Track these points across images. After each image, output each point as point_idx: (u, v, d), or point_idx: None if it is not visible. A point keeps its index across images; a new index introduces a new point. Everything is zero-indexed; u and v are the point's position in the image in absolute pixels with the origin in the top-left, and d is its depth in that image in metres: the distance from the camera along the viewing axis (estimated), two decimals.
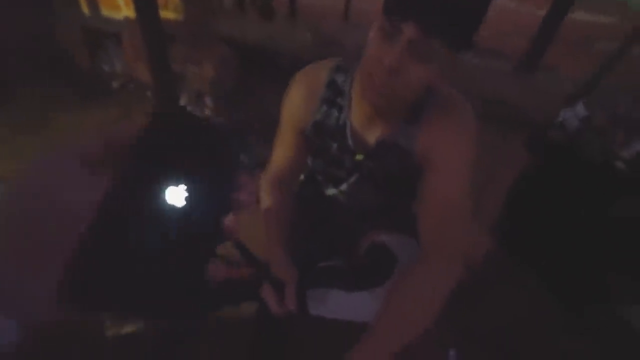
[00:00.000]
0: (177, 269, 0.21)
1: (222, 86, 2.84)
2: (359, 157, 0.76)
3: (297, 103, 0.77)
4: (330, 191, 0.90)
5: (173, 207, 0.22)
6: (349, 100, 0.72)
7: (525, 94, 3.97)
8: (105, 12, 2.79)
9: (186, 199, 0.23)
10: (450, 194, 0.64)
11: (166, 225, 0.21)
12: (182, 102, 2.60)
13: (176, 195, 0.22)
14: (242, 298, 0.69)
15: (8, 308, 0.17)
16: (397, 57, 0.52)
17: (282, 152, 0.84)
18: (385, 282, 0.67)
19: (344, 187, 0.85)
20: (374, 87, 0.58)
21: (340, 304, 0.68)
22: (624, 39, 3.48)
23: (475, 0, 0.49)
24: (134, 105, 2.62)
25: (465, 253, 0.63)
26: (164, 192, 0.22)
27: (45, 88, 2.60)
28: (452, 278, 0.61)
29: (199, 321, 1.13)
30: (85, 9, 2.79)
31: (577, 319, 1.37)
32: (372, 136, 0.73)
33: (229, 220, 0.25)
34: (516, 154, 1.11)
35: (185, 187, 0.23)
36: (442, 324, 0.63)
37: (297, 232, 0.84)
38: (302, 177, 1.01)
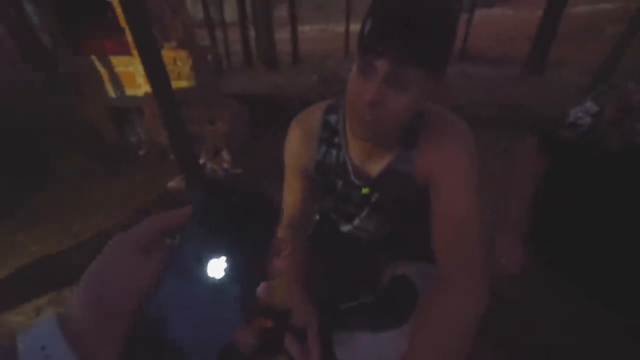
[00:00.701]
0: (212, 340, 0.23)
1: (236, 139, 3.00)
2: (365, 190, 0.76)
3: (296, 147, 0.80)
4: (345, 227, 0.89)
5: (213, 280, 0.24)
6: (344, 138, 0.75)
7: (536, 94, 3.90)
8: (128, 91, 3.09)
9: (225, 270, 0.24)
10: (458, 211, 0.62)
11: (203, 300, 0.23)
12: (202, 159, 2.75)
13: (217, 268, 0.24)
14: (269, 353, 0.67)
15: None
16: (376, 91, 0.53)
17: (290, 196, 0.86)
18: (409, 317, 0.64)
19: (356, 222, 0.85)
20: (360, 122, 0.59)
21: (367, 346, 0.64)
22: (629, 22, 3.40)
23: (440, 25, 0.51)
24: (157, 169, 2.79)
25: (486, 270, 0.59)
26: (207, 265, 0.24)
27: (77, 163, 2.84)
28: (477, 301, 0.57)
29: None
30: (111, 91, 3.11)
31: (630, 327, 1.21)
32: (372, 168, 0.74)
33: (262, 290, 0.25)
34: (531, 157, 1.07)
35: (226, 259, 0.24)
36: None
37: (316, 273, 0.83)
38: (317, 217, 1.01)
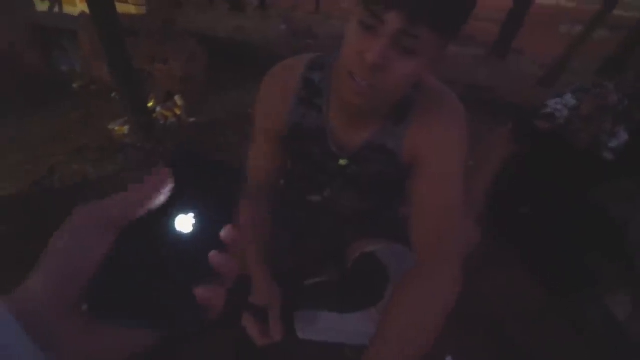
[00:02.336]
0: (177, 287, 0.24)
1: (192, 84, 2.70)
2: (343, 161, 0.69)
3: (270, 105, 0.69)
4: (313, 198, 0.83)
5: (181, 233, 0.25)
6: (327, 101, 0.66)
7: (498, 77, 4.05)
8: (64, 7, 2.56)
9: (193, 225, 0.25)
10: (443, 195, 0.59)
11: (172, 249, 0.24)
12: (151, 103, 2.45)
13: (185, 223, 0.25)
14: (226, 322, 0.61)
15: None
16: (381, 52, 0.46)
17: (257, 161, 0.76)
18: (378, 300, 0.61)
19: (327, 192, 0.79)
20: (355, 87, 0.51)
21: (332, 326, 0.62)
22: (590, 21, 3.60)
23: None
24: (96, 108, 2.43)
25: (462, 260, 0.58)
26: (174, 220, 0.25)
27: None
28: (454, 286, 0.56)
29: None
30: (40, 4, 2.54)
31: (562, 305, 1.38)
32: (355, 138, 0.67)
33: (226, 232, 0.26)
34: (502, 145, 1.08)
35: (194, 216, 0.25)
36: None
37: (279, 245, 0.77)
38: (281, 182, 0.93)
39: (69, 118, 2.31)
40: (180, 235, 0.25)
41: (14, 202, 1.61)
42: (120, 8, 1.81)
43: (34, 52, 2.61)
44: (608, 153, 0.91)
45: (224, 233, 0.25)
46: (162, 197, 0.24)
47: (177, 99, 2.49)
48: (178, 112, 2.45)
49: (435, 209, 0.59)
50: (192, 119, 2.45)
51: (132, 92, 2.04)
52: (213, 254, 0.25)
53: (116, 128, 2.19)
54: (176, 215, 0.25)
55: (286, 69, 0.69)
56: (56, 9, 2.67)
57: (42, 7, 2.65)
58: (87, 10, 2.05)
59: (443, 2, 0.43)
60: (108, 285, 0.22)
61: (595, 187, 1.14)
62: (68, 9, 2.57)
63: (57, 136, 2.12)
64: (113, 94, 2.52)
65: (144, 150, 2.08)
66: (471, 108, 0.67)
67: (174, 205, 0.25)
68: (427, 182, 0.61)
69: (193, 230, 0.25)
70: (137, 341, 0.23)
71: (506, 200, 1.27)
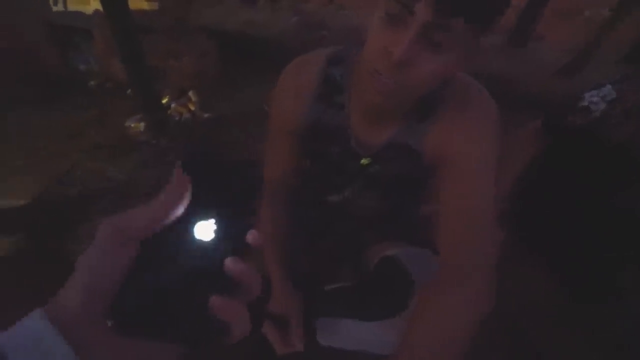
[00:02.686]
0: (197, 300, 0.23)
1: (205, 79, 2.69)
2: (365, 161, 0.66)
3: (288, 103, 0.66)
4: (332, 198, 0.80)
5: (201, 242, 0.23)
6: (348, 98, 0.63)
7: (518, 67, 3.88)
8: (74, 6, 2.58)
9: (215, 232, 0.24)
10: (472, 199, 0.55)
11: (192, 259, 0.23)
12: (166, 99, 2.45)
13: (205, 230, 0.24)
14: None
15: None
16: (408, 47, 0.42)
17: (274, 160, 0.74)
18: (403, 308, 0.59)
19: (347, 193, 0.76)
20: (379, 86, 0.48)
21: (354, 334, 0.60)
22: (618, 4, 3.39)
23: None
24: (112, 106, 2.45)
25: (494, 263, 0.55)
26: (194, 228, 0.24)
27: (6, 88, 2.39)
28: (485, 297, 0.53)
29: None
30: (51, 3, 2.57)
31: (582, 309, 1.32)
32: (377, 137, 0.63)
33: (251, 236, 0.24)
34: (530, 139, 1.03)
35: (215, 222, 0.24)
36: None
37: (296, 247, 0.75)
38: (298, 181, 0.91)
39: (86, 116, 2.34)
40: (200, 244, 0.23)
41: (33, 199, 1.65)
42: (133, 4, 1.80)
43: (51, 50, 2.65)
44: None
45: (250, 237, 0.24)
46: (183, 207, 0.23)
47: (191, 95, 2.49)
48: (192, 107, 2.45)
49: (464, 214, 0.55)
50: (206, 115, 2.45)
51: (146, 88, 2.04)
52: (230, 262, 0.23)
53: (132, 125, 2.20)
54: (195, 222, 0.24)
55: (305, 63, 0.65)
56: (59, 6, 2.68)
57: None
58: (100, 8, 2.06)
59: None
60: (131, 300, 0.21)
61: (626, 188, 1.07)
62: (81, 8, 2.58)
63: (74, 134, 2.15)
64: (128, 91, 2.54)
65: (159, 147, 2.10)
66: (494, 99, 0.64)
67: (192, 211, 0.24)
68: (454, 184, 0.57)
69: (214, 238, 0.24)
70: (163, 355, 0.23)
71: (530, 199, 1.22)
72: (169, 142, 2.13)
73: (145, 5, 2.43)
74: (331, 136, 0.65)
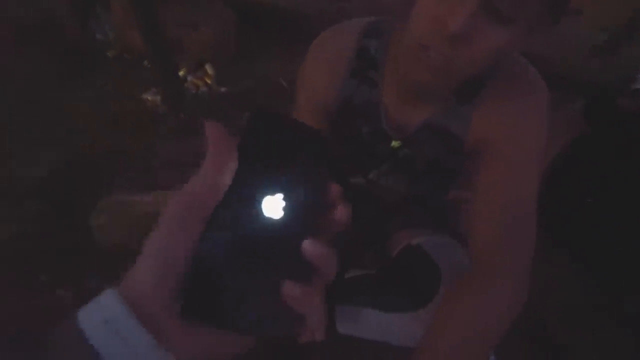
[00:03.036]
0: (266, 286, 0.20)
1: (222, 51, 2.62)
2: (396, 143, 0.61)
3: (317, 77, 0.61)
4: (355, 179, 0.77)
5: (270, 220, 0.21)
6: (382, 74, 0.57)
7: (550, 44, 3.61)
8: None
9: (284, 209, 0.21)
10: (514, 192, 0.51)
11: (260, 240, 0.21)
12: (182, 72, 2.41)
13: (273, 207, 0.21)
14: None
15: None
16: (467, 19, 0.36)
17: None
18: (429, 301, 0.56)
19: (372, 175, 0.72)
20: (428, 62, 0.42)
21: (375, 325, 0.58)
22: None
23: None
24: (130, 78, 2.43)
25: (530, 263, 0.50)
26: (261, 204, 0.21)
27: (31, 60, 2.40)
28: (517, 299, 0.49)
29: None
30: None
31: (615, 306, 1.27)
32: (413, 118, 0.58)
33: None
34: (567, 125, 0.94)
35: (283, 197, 0.21)
36: None
37: None
38: None
39: (104, 87, 2.34)
40: (269, 222, 0.21)
41: (52, 171, 1.68)
42: None
43: (73, 21, 2.62)
44: None
45: (338, 214, 0.22)
46: (232, 167, 0.20)
47: (208, 68, 2.44)
48: (209, 81, 2.41)
49: (503, 208, 0.50)
50: (223, 89, 2.40)
51: (164, 60, 2.00)
52: (309, 245, 0.20)
53: (149, 98, 2.19)
54: (262, 197, 0.21)
55: (339, 33, 0.60)
56: None
57: None
58: None
59: None
60: (198, 285, 0.20)
61: None
62: None
63: (94, 106, 2.16)
64: (145, 63, 2.51)
65: (177, 120, 2.09)
66: None
67: (253, 183, 0.21)
68: (495, 174, 0.52)
69: (285, 215, 0.21)
70: (231, 346, 0.21)
71: (557, 187, 1.14)
72: (187, 115, 2.12)
73: None
74: (361, 115, 0.60)
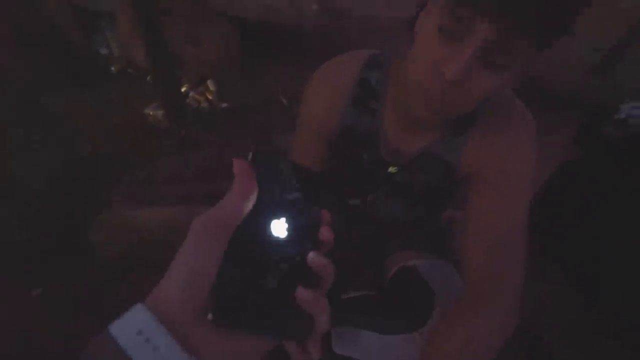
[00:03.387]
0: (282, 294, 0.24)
1: (224, 67, 2.67)
2: (393, 169, 0.64)
3: (320, 104, 0.64)
4: (352, 201, 0.79)
5: (277, 239, 0.25)
6: (383, 105, 0.60)
7: (544, 64, 3.68)
8: None
9: (287, 230, 0.25)
10: (505, 219, 0.53)
11: (273, 255, 0.25)
12: (185, 87, 2.46)
13: (279, 228, 0.25)
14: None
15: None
16: (464, 67, 0.38)
17: (300, 158, 0.72)
18: (424, 323, 0.57)
19: (371, 198, 0.74)
20: (427, 102, 0.45)
21: (370, 346, 0.59)
22: None
23: None
24: (132, 92, 2.47)
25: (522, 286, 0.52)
26: (269, 225, 0.25)
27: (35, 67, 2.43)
28: (509, 321, 0.51)
29: None
30: None
31: (605, 318, 1.28)
32: (410, 146, 0.61)
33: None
34: (559, 148, 0.98)
35: (286, 220, 0.25)
36: None
37: None
38: None
39: (107, 101, 2.38)
40: (277, 241, 0.25)
41: (52, 182, 1.69)
42: None
43: (77, 34, 2.68)
44: None
45: (323, 234, 0.26)
46: (253, 200, 0.24)
47: (210, 84, 2.49)
48: (210, 97, 2.45)
49: (494, 233, 0.53)
50: (224, 104, 2.44)
51: (167, 76, 2.04)
52: (313, 256, 0.25)
53: (151, 113, 2.23)
54: (267, 219, 0.25)
55: (341, 64, 0.62)
56: None
57: None
58: None
59: (551, 8, 0.35)
60: (227, 294, 0.22)
61: None
62: None
63: (97, 118, 2.19)
64: (148, 78, 2.55)
65: (178, 136, 2.11)
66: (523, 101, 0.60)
67: (261, 208, 0.25)
68: (486, 201, 0.54)
69: (290, 235, 0.25)
70: (256, 348, 0.24)
71: (558, 209, 1.17)
72: (188, 130, 2.14)
73: None
74: (361, 142, 0.63)
